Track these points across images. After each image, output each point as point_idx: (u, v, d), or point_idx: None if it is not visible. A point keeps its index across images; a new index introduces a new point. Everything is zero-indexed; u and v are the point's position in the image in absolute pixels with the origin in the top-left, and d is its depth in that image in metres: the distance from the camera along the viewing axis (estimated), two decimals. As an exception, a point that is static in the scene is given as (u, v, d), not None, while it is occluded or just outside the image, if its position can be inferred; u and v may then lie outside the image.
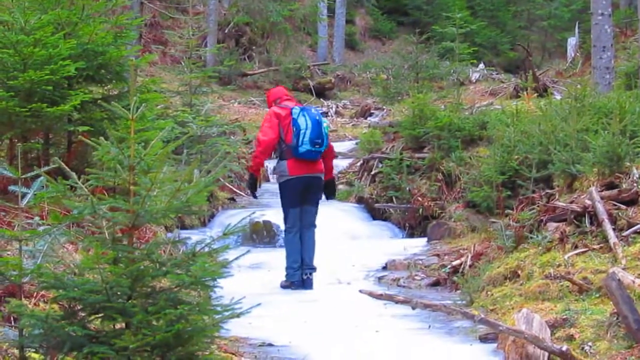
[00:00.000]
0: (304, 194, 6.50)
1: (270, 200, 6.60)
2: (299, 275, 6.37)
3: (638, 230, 5.53)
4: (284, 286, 6.38)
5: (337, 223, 9.23)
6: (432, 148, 9.67)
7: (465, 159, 9.09)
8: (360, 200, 10.16)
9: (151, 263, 3.20)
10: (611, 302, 4.46)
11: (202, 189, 3.28)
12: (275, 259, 7.30)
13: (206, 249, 3.25)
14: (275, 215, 6.99)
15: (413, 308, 4.72)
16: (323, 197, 6.67)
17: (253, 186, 6.51)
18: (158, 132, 3.37)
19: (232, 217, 8.50)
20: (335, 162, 14.59)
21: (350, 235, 9.00)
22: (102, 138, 3.24)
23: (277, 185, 6.64)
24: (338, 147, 16.37)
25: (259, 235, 8.69)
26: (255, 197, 6.55)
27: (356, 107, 19.07)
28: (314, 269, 6.53)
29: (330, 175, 6.68)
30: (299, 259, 6.40)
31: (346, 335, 4.97)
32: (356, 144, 13.86)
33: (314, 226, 6.56)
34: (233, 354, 4.40)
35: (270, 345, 4.74)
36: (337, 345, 4.75)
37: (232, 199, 10.56)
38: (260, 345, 4.72)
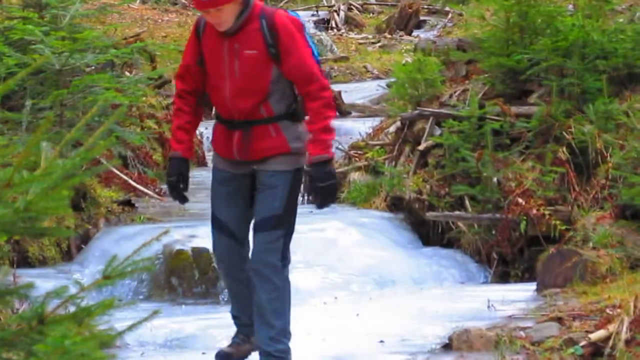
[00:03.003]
0: None
1: (206, 205, 6.57)
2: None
3: None
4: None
5: (349, 252, 9.24)
6: (545, 95, 9.72)
7: (618, 117, 9.12)
8: (396, 205, 10.18)
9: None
10: None
11: (61, 182, 3.30)
12: (220, 327, 7.27)
13: (69, 309, 3.27)
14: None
15: None
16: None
17: (179, 182, 6.51)
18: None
19: (126, 242, 8.50)
20: (344, 124, 14.49)
21: (377, 277, 9.05)
22: None
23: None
24: (351, 93, 16.34)
25: (183, 278, 8.72)
26: (182, 201, 6.56)
27: (389, 9, 19.13)
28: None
29: None
30: None
31: None
32: (387, 86, 13.86)
33: None
34: None
35: None
36: None
37: (129, 203, 10.56)
38: None
